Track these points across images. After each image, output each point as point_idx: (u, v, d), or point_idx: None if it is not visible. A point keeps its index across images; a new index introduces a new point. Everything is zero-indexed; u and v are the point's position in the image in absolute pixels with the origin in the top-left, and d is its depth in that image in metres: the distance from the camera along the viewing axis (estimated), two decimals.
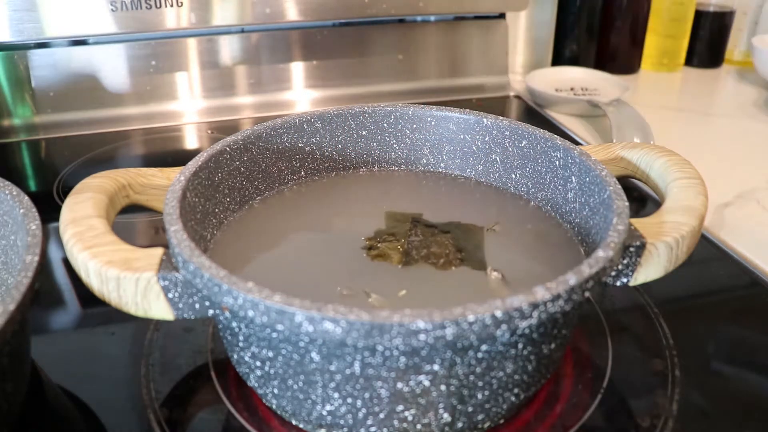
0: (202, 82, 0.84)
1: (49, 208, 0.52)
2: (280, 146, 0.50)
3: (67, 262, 0.49)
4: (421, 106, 0.55)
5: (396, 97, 0.92)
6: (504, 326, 0.31)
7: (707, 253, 0.58)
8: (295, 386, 0.36)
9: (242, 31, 0.82)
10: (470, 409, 0.37)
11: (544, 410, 0.42)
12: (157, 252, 0.38)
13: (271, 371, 0.37)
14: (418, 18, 0.90)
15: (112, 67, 0.80)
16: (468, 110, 0.54)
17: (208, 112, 0.84)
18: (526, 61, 1.06)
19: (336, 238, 0.47)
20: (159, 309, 0.37)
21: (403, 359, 0.33)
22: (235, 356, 0.40)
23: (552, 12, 1.02)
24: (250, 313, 0.32)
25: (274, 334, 0.35)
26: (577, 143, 0.64)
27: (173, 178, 0.43)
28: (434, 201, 0.52)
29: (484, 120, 0.53)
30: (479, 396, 0.36)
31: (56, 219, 0.41)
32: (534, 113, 0.92)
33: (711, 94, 1.02)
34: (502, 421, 0.41)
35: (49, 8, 0.72)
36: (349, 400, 0.35)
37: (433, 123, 0.55)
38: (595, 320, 0.50)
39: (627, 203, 0.40)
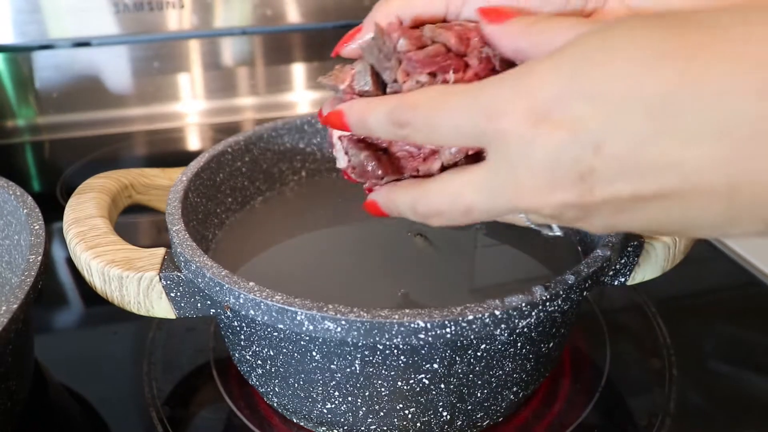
0: (204, 83, 0.84)
1: (52, 208, 0.52)
2: (281, 147, 0.50)
3: (70, 262, 0.49)
4: None
5: None
6: (503, 325, 0.32)
7: (704, 253, 0.59)
8: (296, 384, 0.37)
9: (244, 33, 0.83)
10: (469, 407, 0.37)
11: (542, 408, 0.42)
12: (160, 252, 0.38)
13: (273, 370, 0.37)
14: None
15: (114, 68, 0.80)
16: None
17: (209, 114, 0.84)
18: None
19: (337, 238, 0.48)
20: (161, 308, 0.38)
21: (402, 358, 0.33)
22: (237, 355, 0.40)
23: None
24: (252, 313, 0.33)
25: (276, 333, 0.35)
26: None
27: (175, 178, 0.44)
28: None
29: None
30: (478, 394, 0.36)
31: (59, 219, 0.41)
32: None
33: None
34: (500, 420, 0.41)
35: (52, 10, 0.73)
36: (350, 398, 0.36)
37: None
38: (593, 319, 0.50)
39: None
